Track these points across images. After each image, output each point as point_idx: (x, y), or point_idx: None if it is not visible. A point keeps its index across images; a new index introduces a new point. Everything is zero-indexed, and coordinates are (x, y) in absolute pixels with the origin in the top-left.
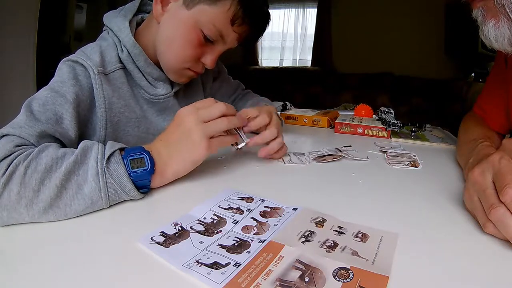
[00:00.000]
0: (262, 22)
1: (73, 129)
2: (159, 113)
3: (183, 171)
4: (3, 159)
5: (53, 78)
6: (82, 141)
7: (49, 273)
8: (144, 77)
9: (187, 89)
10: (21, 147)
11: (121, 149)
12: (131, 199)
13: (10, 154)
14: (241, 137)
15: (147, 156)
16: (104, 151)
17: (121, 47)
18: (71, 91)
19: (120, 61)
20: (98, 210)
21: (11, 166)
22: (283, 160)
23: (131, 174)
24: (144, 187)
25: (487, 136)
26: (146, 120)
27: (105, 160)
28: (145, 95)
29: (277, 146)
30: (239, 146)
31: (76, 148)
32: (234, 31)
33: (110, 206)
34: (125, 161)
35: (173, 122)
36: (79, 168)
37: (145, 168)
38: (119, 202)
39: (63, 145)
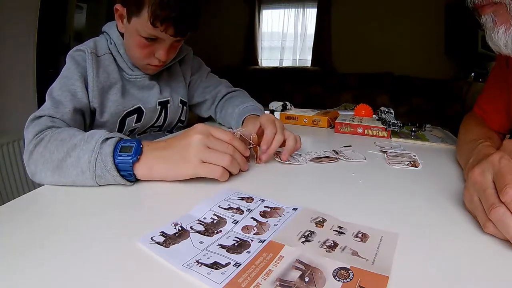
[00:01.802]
0: (180, 14)
1: (85, 96)
2: (140, 90)
3: (169, 177)
4: (40, 131)
5: (62, 70)
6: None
7: (49, 272)
8: (125, 62)
9: (169, 76)
10: (54, 124)
11: (122, 138)
12: (141, 196)
13: (47, 128)
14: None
15: (136, 146)
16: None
17: (110, 41)
18: (76, 71)
19: (109, 50)
20: (98, 210)
21: (43, 134)
22: (279, 158)
23: (116, 157)
24: (125, 171)
25: (488, 136)
26: (125, 91)
27: (101, 141)
28: (126, 76)
29: (293, 143)
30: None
31: (91, 113)
32: (161, 30)
33: (99, 185)
34: (118, 144)
35: (186, 131)
36: (84, 144)
37: (129, 154)
38: (119, 202)
39: (81, 111)
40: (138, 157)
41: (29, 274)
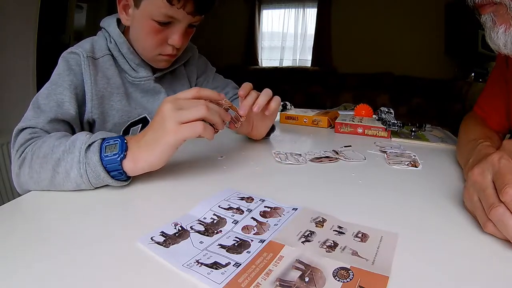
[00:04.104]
0: None
1: (73, 107)
2: (144, 94)
3: (156, 160)
4: (20, 147)
5: (53, 73)
6: (77, 133)
7: (49, 273)
8: (127, 62)
9: (173, 79)
10: (34, 135)
11: (104, 139)
12: (141, 196)
13: (25, 142)
14: (233, 118)
15: (120, 143)
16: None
17: (110, 39)
18: (67, 79)
19: (109, 50)
20: (96, 211)
21: (24, 152)
22: (279, 158)
23: (104, 159)
24: (114, 171)
25: (487, 136)
26: (129, 97)
27: (84, 149)
28: (129, 78)
29: (264, 97)
30: (237, 125)
31: (79, 121)
32: (178, 8)
33: (95, 188)
34: (102, 146)
35: (157, 110)
36: (67, 156)
37: (115, 152)
38: (118, 202)
39: (68, 123)
40: (125, 153)
41: (29, 274)
